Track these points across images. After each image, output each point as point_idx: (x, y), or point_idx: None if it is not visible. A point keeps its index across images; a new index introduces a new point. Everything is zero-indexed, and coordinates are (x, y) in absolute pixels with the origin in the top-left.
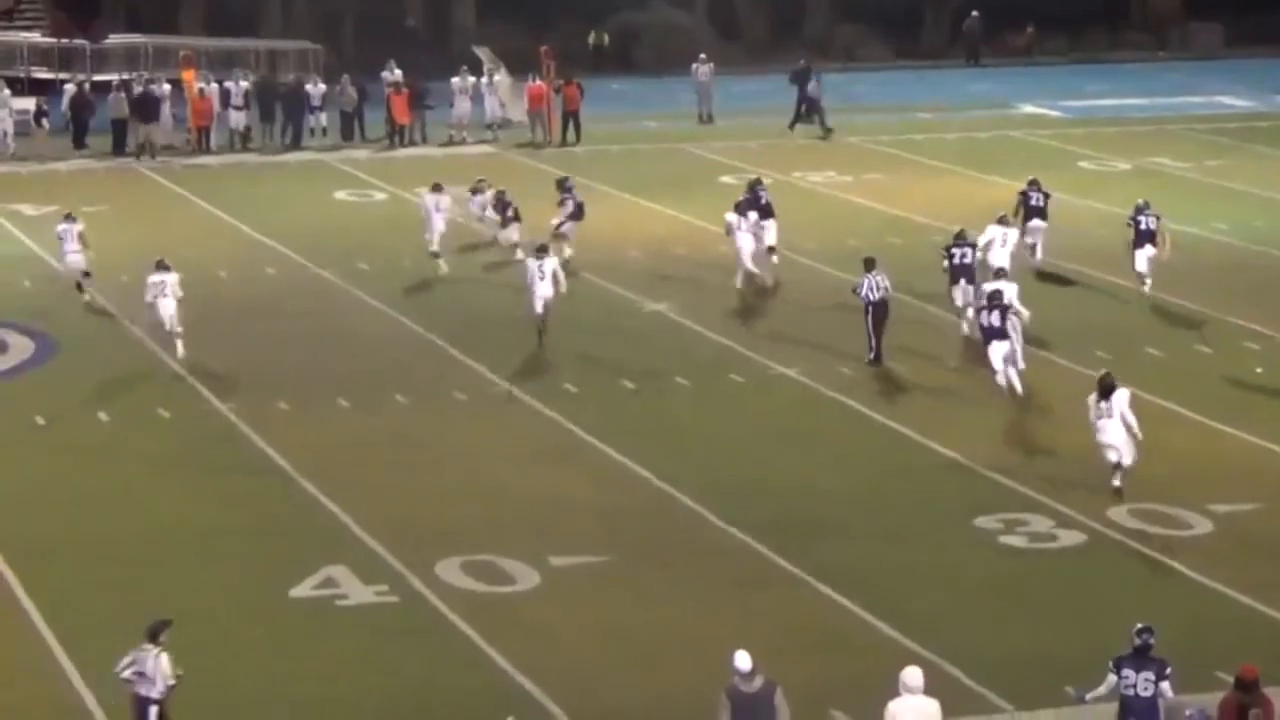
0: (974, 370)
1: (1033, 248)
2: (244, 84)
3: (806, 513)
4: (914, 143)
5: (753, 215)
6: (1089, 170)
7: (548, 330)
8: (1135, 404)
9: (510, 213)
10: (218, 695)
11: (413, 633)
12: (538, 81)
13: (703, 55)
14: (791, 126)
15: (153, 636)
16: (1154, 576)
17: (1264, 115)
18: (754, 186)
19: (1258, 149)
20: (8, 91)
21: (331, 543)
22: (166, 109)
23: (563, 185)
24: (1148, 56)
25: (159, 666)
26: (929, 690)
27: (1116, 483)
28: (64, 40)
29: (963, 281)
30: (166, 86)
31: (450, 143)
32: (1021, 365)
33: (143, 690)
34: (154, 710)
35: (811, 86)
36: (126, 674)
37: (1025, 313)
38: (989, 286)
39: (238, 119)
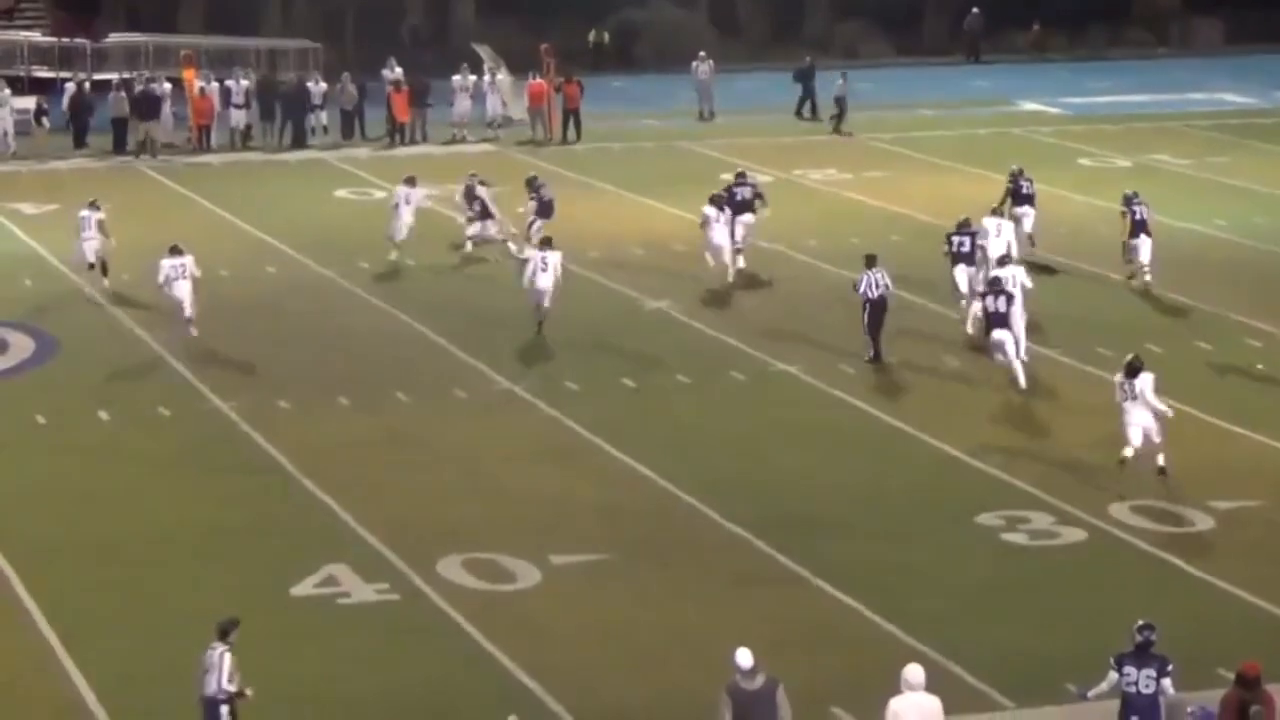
0: (975, 368)
1: (1030, 237)
2: (245, 82)
3: (807, 510)
4: (915, 140)
5: (728, 211)
6: (1089, 167)
7: (547, 319)
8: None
9: (477, 207)
10: None
11: (414, 631)
12: (538, 79)
13: (703, 53)
14: (803, 112)
15: (223, 634)
16: (1155, 573)
17: (1265, 112)
18: (736, 178)
19: (1258, 145)
20: (8, 90)
21: (332, 541)
22: (167, 108)
23: (531, 184)
24: (1148, 53)
25: (220, 664)
26: (930, 687)
27: (1160, 461)
28: (64, 39)
29: (962, 266)
30: (167, 85)
31: (452, 141)
32: (1025, 356)
33: (208, 690)
34: (224, 710)
35: (839, 85)
36: (200, 676)
37: (1030, 285)
38: (992, 273)
39: (238, 117)
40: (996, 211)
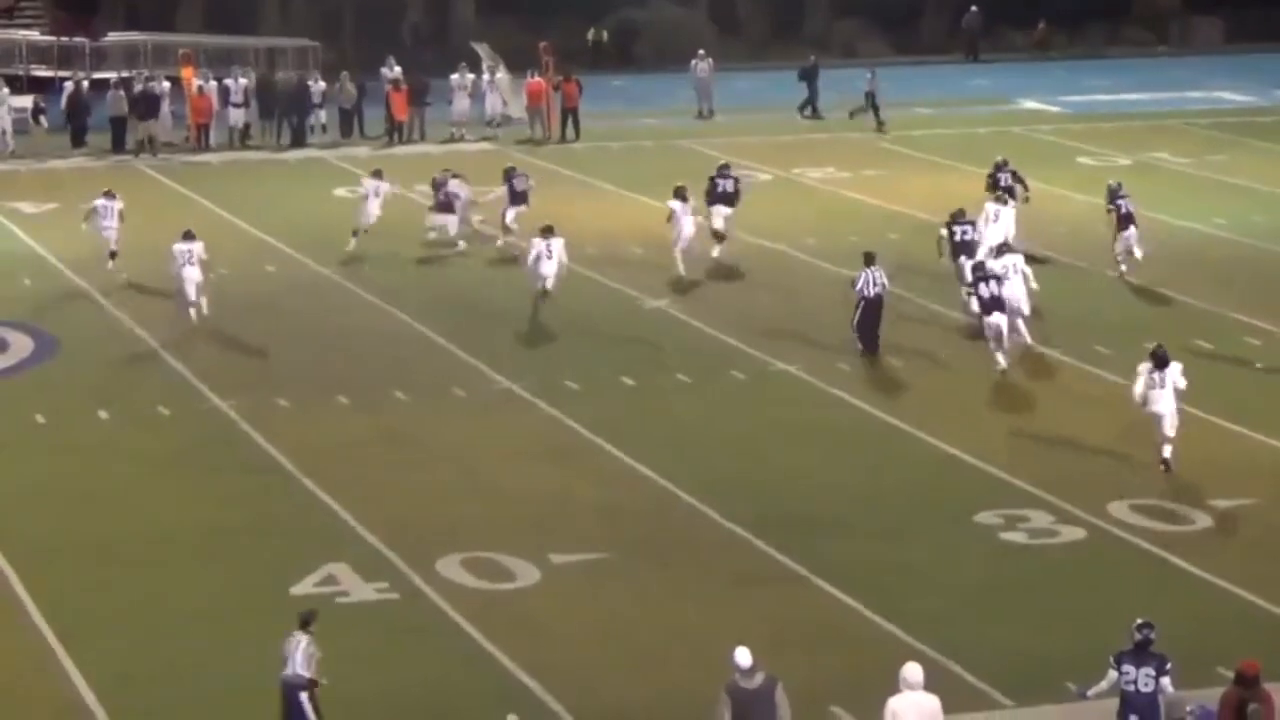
0: (975, 367)
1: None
2: (243, 81)
3: (806, 509)
4: (913, 138)
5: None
6: (1089, 165)
7: (548, 301)
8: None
9: (441, 196)
10: (219, 693)
11: (413, 630)
12: (537, 78)
13: (702, 51)
14: (805, 111)
15: (303, 625)
16: (1154, 572)
17: (1264, 110)
18: (719, 170)
19: (1257, 144)
20: (6, 89)
21: (332, 540)
22: (166, 106)
23: (505, 174)
24: (1148, 51)
25: (299, 649)
26: (929, 686)
27: (1166, 454)
28: (63, 38)
29: (963, 258)
30: (166, 84)
31: (451, 140)
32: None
33: (288, 672)
34: (303, 696)
35: (868, 80)
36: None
37: (1029, 272)
38: (988, 261)
39: (237, 116)
40: (999, 199)
